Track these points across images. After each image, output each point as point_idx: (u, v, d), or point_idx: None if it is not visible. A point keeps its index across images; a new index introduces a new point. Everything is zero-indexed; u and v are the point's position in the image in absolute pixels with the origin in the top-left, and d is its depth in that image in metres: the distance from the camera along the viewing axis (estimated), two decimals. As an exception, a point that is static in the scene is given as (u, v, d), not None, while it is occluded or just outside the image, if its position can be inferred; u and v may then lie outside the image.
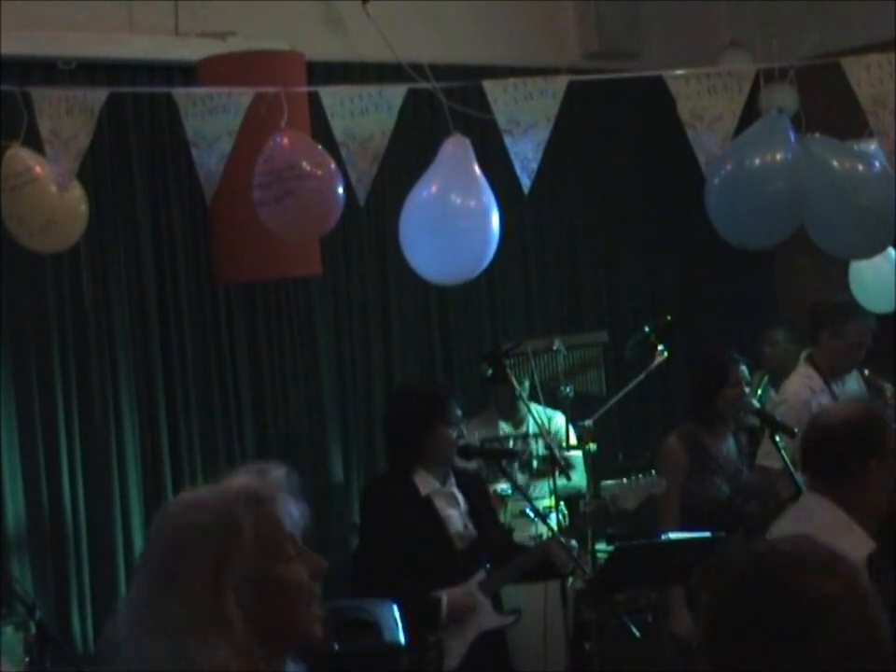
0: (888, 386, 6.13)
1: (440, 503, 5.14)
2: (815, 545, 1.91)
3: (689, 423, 5.60)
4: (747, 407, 5.64)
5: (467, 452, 5.93)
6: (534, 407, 6.46)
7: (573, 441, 6.38)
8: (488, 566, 5.12)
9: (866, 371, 6.08)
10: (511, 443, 6.50)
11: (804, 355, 6.11)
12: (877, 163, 5.04)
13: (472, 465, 6.31)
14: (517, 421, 6.60)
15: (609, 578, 5.13)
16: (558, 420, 6.52)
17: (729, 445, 5.69)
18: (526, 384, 6.44)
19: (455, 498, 5.21)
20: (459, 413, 5.27)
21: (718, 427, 5.64)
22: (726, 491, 5.55)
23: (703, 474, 5.51)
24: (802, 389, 5.86)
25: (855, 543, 3.30)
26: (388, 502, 5.11)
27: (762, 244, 5.17)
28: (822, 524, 3.34)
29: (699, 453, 5.54)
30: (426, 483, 5.13)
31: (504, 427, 6.61)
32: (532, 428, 6.49)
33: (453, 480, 5.24)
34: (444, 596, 4.98)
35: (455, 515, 5.16)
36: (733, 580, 1.86)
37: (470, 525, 5.18)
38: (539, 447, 6.42)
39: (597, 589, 5.08)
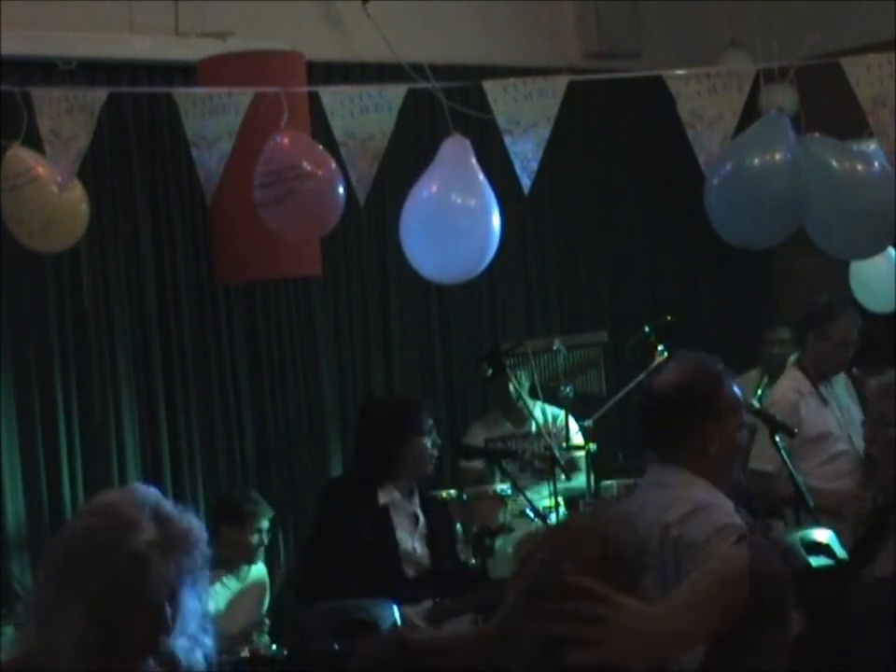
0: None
1: (396, 517, 5.14)
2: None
3: None
4: (747, 407, 5.64)
5: (467, 452, 5.94)
6: (539, 405, 6.46)
7: (579, 440, 6.37)
8: (437, 599, 5.07)
9: (854, 370, 6.08)
10: (514, 443, 6.49)
11: (792, 359, 6.13)
12: (877, 163, 5.04)
13: (476, 465, 6.32)
14: (520, 421, 6.59)
15: None
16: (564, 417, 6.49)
17: None
18: (526, 383, 6.44)
19: (415, 518, 5.21)
20: (431, 421, 5.29)
21: None
22: None
23: None
24: (790, 391, 5.88)
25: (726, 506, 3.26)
26: (343, 503, 5.10)
27: (761, 243, 5.17)
28: (695, 495, 3.22)
29: None
30: (386, 493, 5.13)
31: (508, 428, 6.61)
32: (534, 428, 6.48)
33: (417, 500, 5.24)
34: (398, 608, 4.91)
35: (406, 535, 5.15)
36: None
37: (420, 549, 5.16)
38: (540, 446, 6.41)
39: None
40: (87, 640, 2.38)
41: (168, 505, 2.48)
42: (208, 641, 2.55)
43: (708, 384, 3.31)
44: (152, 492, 2.50)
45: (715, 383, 3.31)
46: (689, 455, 3.27)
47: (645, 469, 3.52)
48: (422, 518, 5.22)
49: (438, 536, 5.26)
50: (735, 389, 3.37)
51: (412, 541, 5.16)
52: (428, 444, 5.21)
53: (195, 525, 2.48)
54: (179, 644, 2.49)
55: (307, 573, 5.13)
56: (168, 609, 2.41)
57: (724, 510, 3.21)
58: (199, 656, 2.53)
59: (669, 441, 3.31)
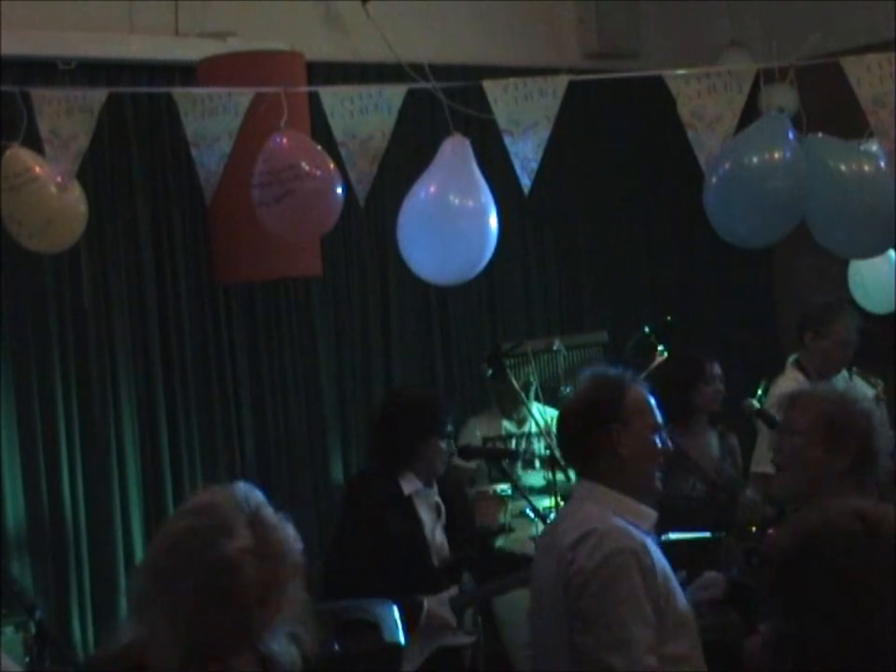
0: (878, 382, 6.14)
1: (420, 507, 5.17)
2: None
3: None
4: (747, 407, 5.65)
5: (466, 452, 5.93)
6: (537, 406, 6.46)
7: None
8: (461, 584, 5.13)
9: (854, 369, 6.09)
10: (514, 443, 6.49)
11: (791, 359, 6.13)
12: (879, 163, 5.04)
13: (472, 465, 6.31)
14: (520, 420, 6.59)
15: None
16: None
17: (707, 442, 5.70)
18: (531, 384, 6.44)
19: (438, 508, 5.24)
20: (451, 427, 5.32)
21: (692, 423, 5.65)
22: (701, 489, 5.56)
23: (676, 473, 5.51)
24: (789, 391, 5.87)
25: (637, 516, 3.25)
26: (371, 498, 5.11)
27: (757, 242, 5.17)
28: (591, 511, 3.24)
29: (672, 452, 5.53)
30: (410, 484, 5.15)
31: (507, 426, 6.61)
32: (534, 428, 6.49)
33: (436, 489, 5.26)
34: (426, 603, 4.98)
35: (430, 523, 5.19)
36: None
37: (440, 538, 5.20)
38: (540, 447, 6.42)
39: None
40: (178, 640, 2.41)
41: (267, 510, 2.50)
42: (305, 634, 2.56)
43: (608, 390, 3.33)
44: (253, 495, 2.52)
45: (615, 388, 3.34)
46: (604, 467, 3.28)
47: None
48: (443, 508, 5.26)
49: (458, 520, 5.31)
50: (644, 392, 3.39)
51: (434, 532, 5.20)
52: (444, 447, 5.22)
53: (291, 534, 2.51)
54: (276, 644, 2.51)
55: (341, 568, 5.12)
56: (258, 615, 2.43)
57: (620, 531, 3.19)
58: (294, 651, 2.55)
59: (581, 455, 3.33)
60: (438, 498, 5.25)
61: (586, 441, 3.30)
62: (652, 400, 3.40)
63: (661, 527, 5.17)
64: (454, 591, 5.09)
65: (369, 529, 5.03)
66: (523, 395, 6.32)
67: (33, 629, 4.80)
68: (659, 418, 3.39)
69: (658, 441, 3.36)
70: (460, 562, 5.19)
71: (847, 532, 1.97)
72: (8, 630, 5.01)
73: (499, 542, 5.99)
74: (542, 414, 6.48)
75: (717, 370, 5.74)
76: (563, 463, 6.01)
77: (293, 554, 2.50)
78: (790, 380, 5.97)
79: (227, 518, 2.45)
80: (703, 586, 3.59)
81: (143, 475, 6.23)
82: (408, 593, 4.95)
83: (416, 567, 5.06)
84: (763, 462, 5.56)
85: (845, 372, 6.07)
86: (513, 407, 6.54)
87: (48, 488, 5.98)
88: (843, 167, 4.98)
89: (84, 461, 6.08)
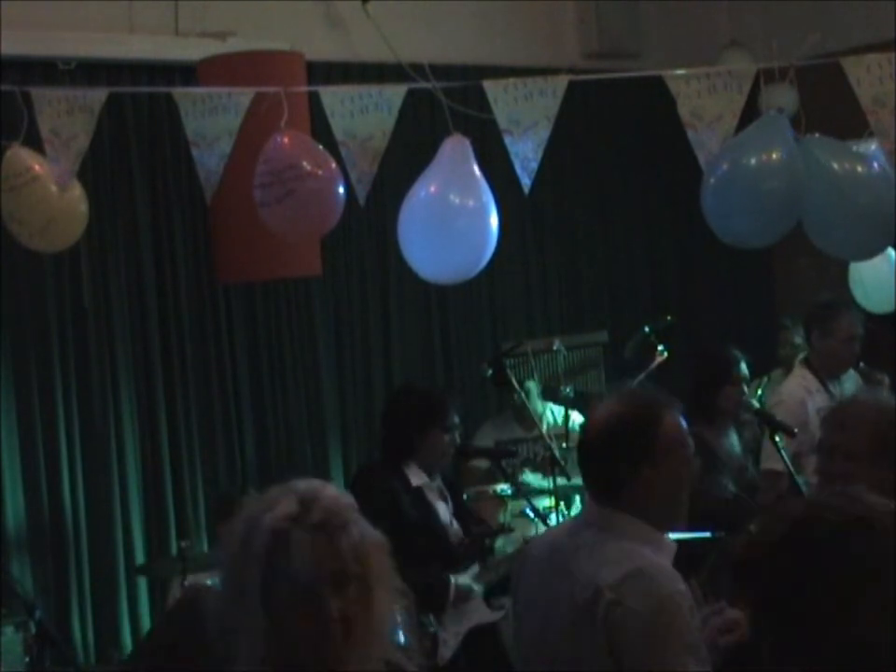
0: (882, 378, 6.14)
1: (430, 495, 5.24)
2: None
3: (691, 423, 5.56)
4: (746, 406, 5.65)
5: (466, 452, 5.95)
6: (549, 407, 6.47)
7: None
8: (481, 561, 5.20)
9: (861, 364, 6.08)
10: (525, 447, 6.51)
11: (799, 357, 6.13)
12: (877, 164, 5.04)
13: (483, 464, 6.33)
14: (529, 425, 6.58)
15: None
16: (574, 416, 6.49)
17: (731, 441, 5.69)
18: (531, 385, 6.44)
19: (444, 494, 5.32)
20: (457, 419, 5.32)
21: (718, 424, 5.65)
22: (732, 490, 5.56)
23: (710, 474, 5.50)
24: (797, 390, 5.87)
25: (659, 549, 3.06)
26: (381, 489, 5.14)
27: (754, 243, 5.16)
28: (621, 545, 3.02)
29: (705, 453, 5.53)
30: (416, 476, 5.22)
31: (519, 431, 6.62)
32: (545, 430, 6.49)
33: (439, 478, 5.34)
34: (452, 579, 5.05)
35: (443, 509, 5.27)
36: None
37: (455, 522, 5.28)
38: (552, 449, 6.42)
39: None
40: (270, 653, 2.21)
41: (326, 489, 2.28)
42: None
43: (641, 426, 3.09)
44: (315, 482, 2.30)
45: (651, 423, 3.10)
46: (627, 498, 3.07)
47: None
48: (448, 495, 5.34)
49: (461, 509, 5.40)
50: (679, 423, 3.16)
51: (447, 516, 5.28)
52: (447, 441, 5.26)
53: (342, 498, 2.29)
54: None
55: None
56: (341, 647, 2.18)
57: (668, 573, 2.99)
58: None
59: (602, 483, 3.11)
60: (441, 485, 5.33)
61: (609, 474, 3.08)
62: (685, 427, 3.16)
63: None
64: (475, 569, 5.15)
65: (384, 517, 5.06)
66: (524, 398, 6.32)
67: (33, 629, 4.80)
68: (691, 447, 3.16)
69: (689, 471, 3.15)
70: (478, 538, 5.25)
71: (840, 523, 1.94)
72: (8, 630, 5.01)
73: (499, 542, 5.99)
74: (553, 415, 6.49)
75: (744, 370, 5.72)
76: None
77: (354, 515, 2.27)
78: (797, 378, 5.96)
79: (274, 496, 2.23)
80: (723, 628, 3.38)
81: (143, 475, 6.24)
82: (432, 573, 5.01)
83: (436, 550, 5.11)
84: (772, 459, 5.56)
85: (852, 371, 6.07)
86: (520, 413, 6.53)
87: (48, 488, 5.98)
88: (840, 168, 4.98)
89: (84, 461, 6.09)
